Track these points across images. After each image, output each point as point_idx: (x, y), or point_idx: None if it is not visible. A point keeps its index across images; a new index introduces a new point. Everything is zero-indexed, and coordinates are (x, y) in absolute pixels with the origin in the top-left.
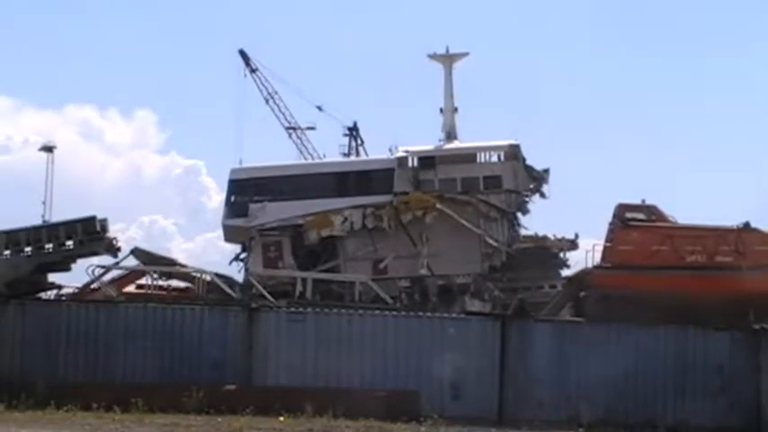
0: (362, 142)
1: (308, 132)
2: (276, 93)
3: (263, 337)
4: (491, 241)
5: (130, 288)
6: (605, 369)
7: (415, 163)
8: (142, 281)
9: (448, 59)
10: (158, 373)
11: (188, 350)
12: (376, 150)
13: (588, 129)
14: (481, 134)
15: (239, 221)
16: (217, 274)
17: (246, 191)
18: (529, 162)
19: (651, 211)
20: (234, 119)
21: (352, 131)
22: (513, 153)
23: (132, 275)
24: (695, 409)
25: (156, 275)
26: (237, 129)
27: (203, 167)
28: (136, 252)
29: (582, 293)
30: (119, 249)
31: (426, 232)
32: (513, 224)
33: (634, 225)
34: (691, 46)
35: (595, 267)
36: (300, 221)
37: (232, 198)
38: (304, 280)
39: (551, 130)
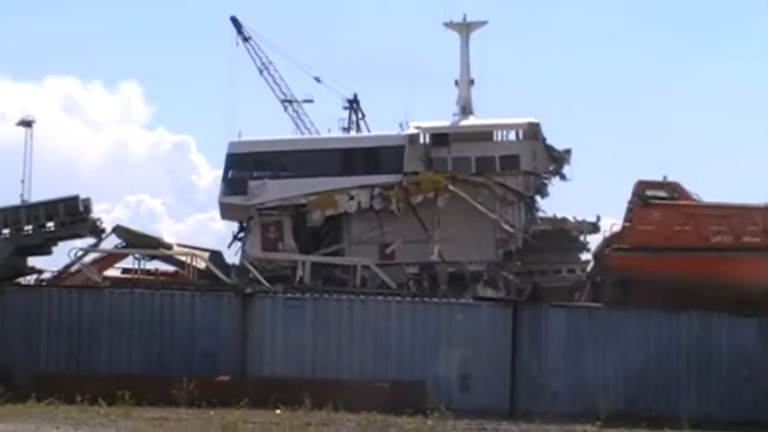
0: (363, 116)
1: (305, 106)
2: (271, 63)
3: (258, 324)
4: (507, 227)
5: (115, 272)
6: (624, 358)
7: (428, 140)
8: (127, 264)
9: (465, 28)
10: (146, 364)
11: (178, 339)
12: (378, 125)
13: (611, 106)
14: (498, 111)
15: (237, 199)
16: (209, 251)
17: (246, 166)
18: (549, 141)
19: (673, 189)
20: (225, 91)
21: (353, 104)
22: (533, 131)
23: (114, 256)
24: (721, 401)
25: (141, 257)
26: (229, 102)
27: (193, 143)
28: (118, 231)
29: (599, 277)
30: (103, 231)
31: (438, 216)
32: (531, 208)
33: (655, 203)
34: (715, 19)
35: (613, 249)
36: (303, 201)
37: (230, 173)
38: (304, 264)
39: (573, 107)
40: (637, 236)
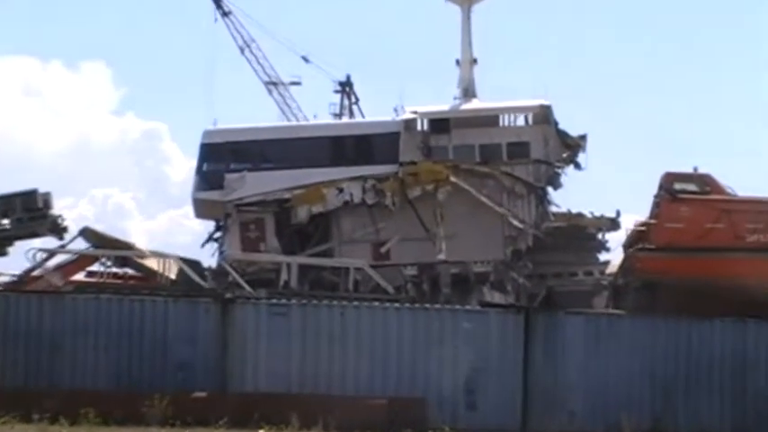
0: (357, 100)
1: (292, 89)
2: (254, 41)
3: (239, 333)
4: (516, 222)
5: (79, 276)
6: (650, 371)
7: (426, 126)
8: (94, 267)
9: (466, 1)
10: (113, 378)
11: (149, 350)
12: (374, 111)
13: (631, 88)
14: (504, 94)
15: (213, 194)
16: (182, 259)
17: (222, 157)
18: (562, 126)
19: (704, 181)
20: (203, 73)
21: (345, 87)
22: (544, 115)
23: (82, 261)
24: (758, 417)
25: (109, 261)
26: (207, 85)
27: (166, 131)
28: (86, 233)
29: (622, 281)
30: (65, 230)
31: (438, 210)
32: (543, 201)
33: (684, 198)
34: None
35: (638, 249)
36: (287, 195)
37: (204, 166)
38: (290, 266)
39: (587, 89)
40: (664, 234)
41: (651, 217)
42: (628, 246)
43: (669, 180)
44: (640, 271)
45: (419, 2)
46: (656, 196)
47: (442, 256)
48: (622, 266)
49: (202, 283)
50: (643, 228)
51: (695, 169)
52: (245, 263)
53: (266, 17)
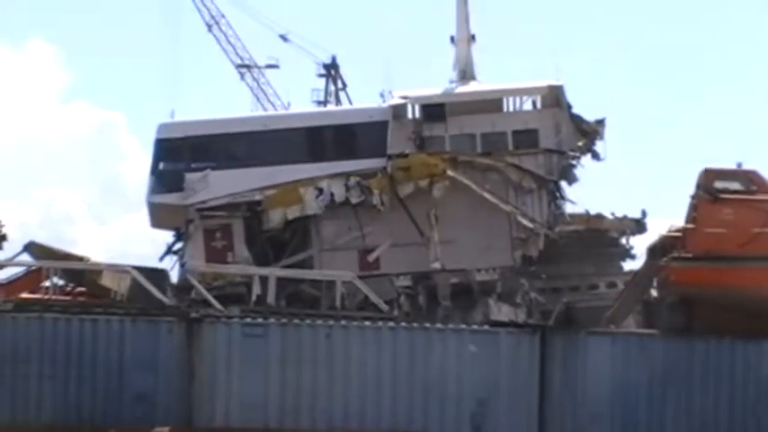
0: (345, 86)
1: (268, 72)
2: (223, 17)
3: (208, 358)
4: (524, 221)
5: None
6: (688, 400)
7: (418, 113)
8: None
9: None
10: (60, 410)
11: (103, 377)
12: (364, 98)
13: (655, 67)
14: (508, 75)
15: (171, 198)
16: (141, 269)
17: (181, 155)
18: (576, 110)
19: (750, 179)
20: (165, 54)
21: (330, 71)
22: (555, 97)
23: (31, 278)
24: None
25: (57, 275)
26: (170, 68)
27: (123, 122)
28: (31, 248)
29: (654, 295)
30: (4, 238)
31: (433, 210)
32: (556, 197)
33: (726, 198)
34: None
35: (673, 258)
36: (258, 197)
37: (160, 165)
38: (264, 279)
39: (604, 68)
40: (703, 241)
41: (688, 221)
42: (659, 253)
43: (709, 178)
44: (675, 284)
45: None
46: (693, 197)
47: (437, 264)
48: (644, 275)
49: (164, 298)
50: (678, 233)
51: (739, 165)
52: (211, 276)
53: None
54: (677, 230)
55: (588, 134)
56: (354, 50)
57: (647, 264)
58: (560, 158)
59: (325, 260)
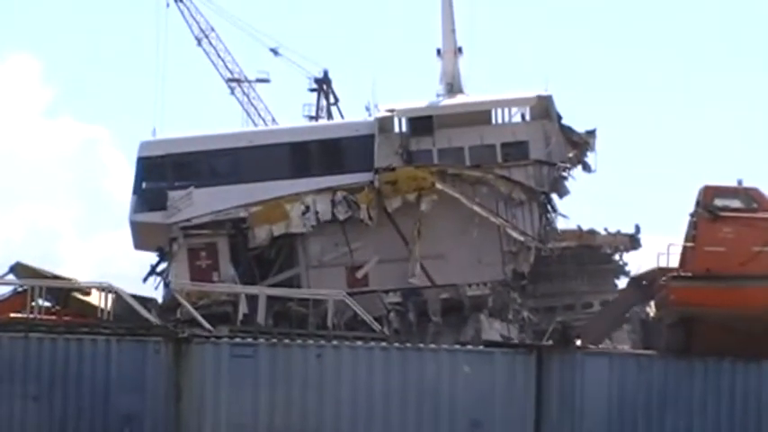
0: (337, 100)
1: (258, 86)
2: (213, 30)
3: (196, 379)
4: (515, 234)
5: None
6: (688, 423)
7: (405, 127)
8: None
9: None
10: (45, 431)
11: (89, 398)
12: (357, 113)
13: (648, 80)
14: (495, 87)
15: (154, 216)
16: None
17: (164, 173)
18: (566, 121)
19: (751, 197)
20: (151, 68)
21: (322, 85)
22: (544, 108)
23: (16, 299)
24: None
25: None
26: (156, 82)
27: (108, 137)
28: (17, 270)
29: (653, 314)
30: None
31: (417, 224)
32: (547, 210)
33: (727, 216)
34: None
35: (671, 277)
36: (242, 214)
37: (143, 184)
38: (252, 298)
39: (594, 79)
40: (704, 260)
41: (687, 239)
42: (642, 287)
43: (709, 195)
44: (674, 303)
45: None
46: (692, 214)
47: (415, 280)
48: (621, 304)
49: (151, 317)
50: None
51: (740, 182)
52: (196, 294)
53: (227, 4)
54: (664, 269)
55: (579, 145)
56: (345, 64)
57: (627, 292)
58: (551, 170)
59: (313, 277)
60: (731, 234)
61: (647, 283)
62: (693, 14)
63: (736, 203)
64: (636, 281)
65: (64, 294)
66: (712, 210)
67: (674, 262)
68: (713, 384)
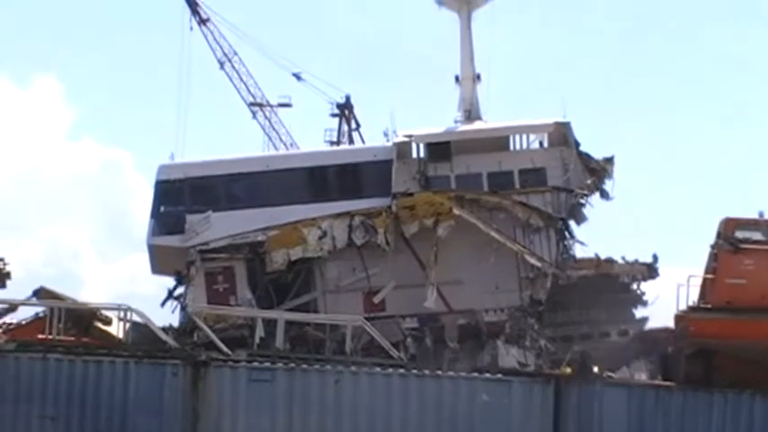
0: (358, 126)
1: (280, 111)
2: (236, 54)
3: (214, 403)
4: (533, 260)
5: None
6: None
7: (422, 152)
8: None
9: (465, 5)
10: None
11: (106, 421)
12: (377, 139)
13: (664, 109)
14: (513, 113)
15: (172, 240)
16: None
17: (181, 197)
18: (584, 148)
19: None
20: (174, 91)
21: (344, 110)
22: (562, 135)
23: (38, 324)
24: None
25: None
26: (179, 105)
27: (129, 160)
28: (41, 294)
29: (672, 346)
30: (8, 276)
31: (434, 249)
32: (565, 236)
33: (748, 248)
34: None
35: (691, 309)
36: (260, 238)
37: (161, 207)
38: (269, 322)
39: (613, 106)
40: (723, 292)
41: (707, 270)
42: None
43: (730, 227)
44: (694, 335)
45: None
46: (713, 246)
47: (429, 304)
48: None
49: (170, 340)
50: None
51: (761, 214)
52: (213, 318)
53: (251, 25)
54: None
55: (596, 172)
56: (366, 90)
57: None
58: (568, 196)
59: (330, 302)
60: (752, 266)
61: (651, 343)
62: (713, 40)
63: (757, 236)
64: (640, 337)
65: (85, 323)
66: (733, 242)
67: (694, 293)
68: (732, 416)
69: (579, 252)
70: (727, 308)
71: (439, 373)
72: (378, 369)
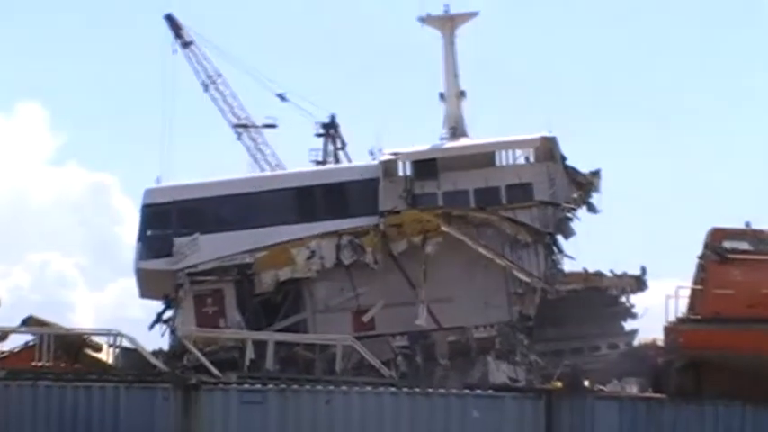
0: (344, 145)
1: (266, 132)
2: (220, 76)
3: (205, 426)
4: (521, 275)
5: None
6: None
7: (409, 170)
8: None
9: (448, 23)
10: None
11: None
12: (363, 158)
13: (651, 122)
14: (498, 129)
15: (160, 263)
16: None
17: (168, 220)
18: (570, 162)
19: (760, 239)
20: (158, 115)
21: (329, 130)
22: (548, 150)
23: (27, 352)
24: None
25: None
26: (163, 129)
27: (116, 184)
28: (30, 323)
29: (661, 358)
30: None
31: (422, 267)
32: (553, 251)
33: (735, 259)
34: None
35: (680, 320)
36: (248, 259)
37: (148, 231)
38: (259, 343)
39: (596, 120)
40: (712, 303)
41: (695, 281)
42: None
43: (717, 237)
44: (683, 347)
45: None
46: (700, 257)
47: (421, 322)
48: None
49: (160, 364)
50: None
51: (748, 224)
52: (203, 341)
53: (235, 47)
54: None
55: (583, 186)
56: (351, 109)
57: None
58: (555, 211)
59: (319, 322)
60: (740, 276)
61: (639, 360)
62: (698, 51)
63: (744, 246)
64: (628, 354)
65: (75, 351)
66: (721, 252)
67: (683, 305)
68: (723, 428)
69: (568, 265)
70: (716, 318)
71: (430, 390)
72: (369, 388)
